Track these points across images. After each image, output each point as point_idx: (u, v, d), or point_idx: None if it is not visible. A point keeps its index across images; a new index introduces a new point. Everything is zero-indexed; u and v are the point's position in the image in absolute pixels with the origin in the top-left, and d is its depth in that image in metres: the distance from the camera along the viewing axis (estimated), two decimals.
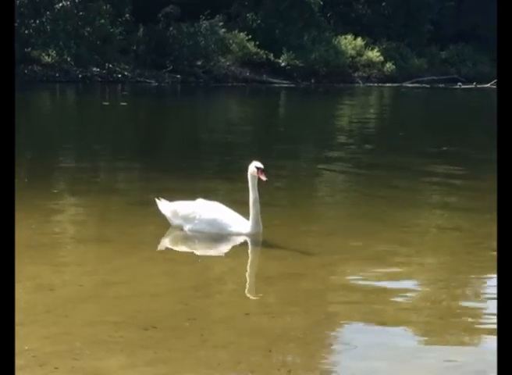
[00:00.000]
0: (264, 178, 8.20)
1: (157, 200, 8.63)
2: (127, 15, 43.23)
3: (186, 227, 8.46)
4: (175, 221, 8.55)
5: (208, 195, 8.91)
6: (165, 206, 8.60)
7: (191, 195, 8.98)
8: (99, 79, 40.49)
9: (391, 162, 15.33)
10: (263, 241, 8.18)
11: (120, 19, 42.75)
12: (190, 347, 5.29)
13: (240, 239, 8.25)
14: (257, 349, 5.31)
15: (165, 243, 8.20)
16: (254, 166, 8.19)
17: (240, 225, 8.32)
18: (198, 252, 8.05)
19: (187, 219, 8.44)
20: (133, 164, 14.30)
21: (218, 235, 8.34)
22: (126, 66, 42.27)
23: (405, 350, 5.39)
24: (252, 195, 8.17)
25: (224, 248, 8.16)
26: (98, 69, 41.12)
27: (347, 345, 5.47)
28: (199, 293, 6.52)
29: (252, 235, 8.24)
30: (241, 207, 8.50)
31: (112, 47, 41.23)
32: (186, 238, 8.36)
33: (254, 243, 8.17)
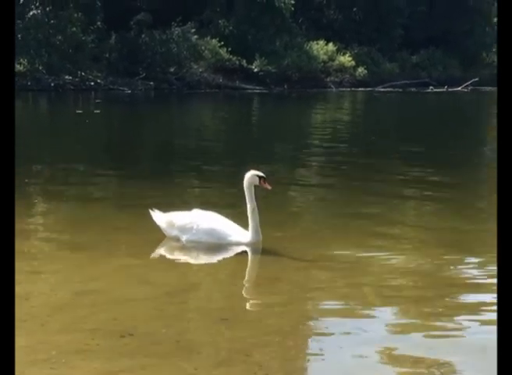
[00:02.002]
0: (269, 187, 8.17)
1: (150, 211, 8.45)
2: (99, 23, 43.14)
3: (184, 238, 8.29)
4: (171, 232, 8.38)
5: (187, 202, 8.90)
6: (159, 217, 8.41)
7: (168, 203, 8.97)
8: (71, 87, 40.33)
9: (365, 166, 15.42)
10: (254, 250, 8.12)
11: (92, 27, 42.64)
12: (167, 353, 5.30)
13: (233, 248, 8.17)
14: (235, 354, 5.33)
15: (141, 250, 8.15)
16: (254, 176, 8.10)
17: (239, 234, 8.20)
18: (176, 259, 8.03)
19: (184, 229, 8.28)
20: (109, 172, 14.25)
21: (217, 245, 8.22)
22: (99, 74, 42.15)
23: (383, 354, 5.42)
24: (250, 204, 8.07)
25: (203, 256, 8.14)
26: (71, 78, 40.96)
27: (325, 349, 5.50)
28: (175, 299, 6.52)
29: (252, 244, 8.14)
30: (224, 213, 8.50)
31: (84, 55, 41.10)
32: (163, 245, 8.34)
33: (248, 251, 8.09)
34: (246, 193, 8.13)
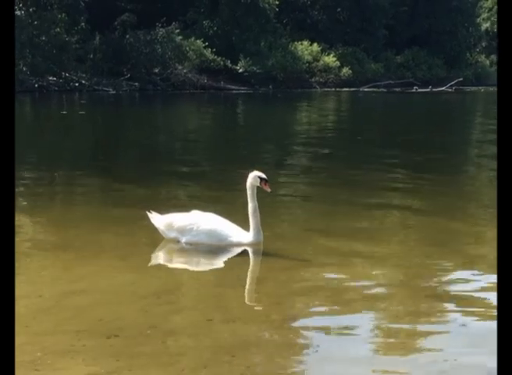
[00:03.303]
0: (268, 189, 8.15)
1: (148, 213, 8.36)
2: (83, 23, 43.05)
3: (183, 239, 8.21)
4: (169, 234, 8.29)
5: (174, 202, 8.85)
6: (157, 219, 8.32)
7: (155, 203, 8.89)
8: (56, 88, 40.22)
9: (351, 166, 15.45)
10: (254, 250, 8.10)
11: (76, 28, 42.56)
12: (153, 354, 5.29)
13: (232, 249, 8.12)
14: (221, 355, 5.32)
15: (127, 251, 8.12)
16: (256, 177, 8.07)
17: (240, 235, 8.16)
18: (163, 260, 7.99)
19: (184, 231, 8.20)
20: (96, 173, 14.20)
21: (217, 246, 8.15)
22: (83, 75, 42.06)
23: (367, 352, 5.44)
24: (252, 205, 8.04)
25: (192, 257, 8.09)
26: (55, 78, 40.84)
27: (310, 349, 5.51)
28: (161, 300, 6.50)
29: (254, 244, 8.11)
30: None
31: (68, 55, 40.98)
32: (148, 246, 8.31)
33: (249, 252, 8.07)
34: (248, 193, 8.10)
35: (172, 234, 8.29)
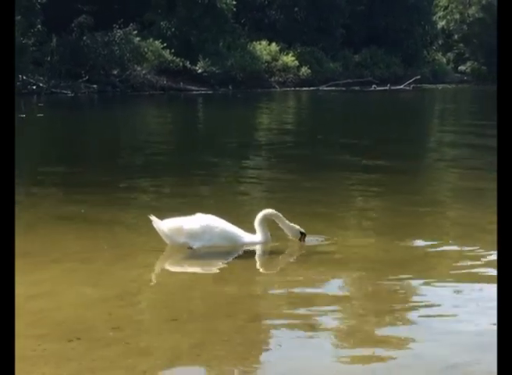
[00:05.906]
0: (304, 243, 8.23)
1: (151, 217, 7.98)
2: (39, 25, 42.67)
3: (196, 245, 7.96)
4: (178, 239, 7.98)
5: (137, 207, 8.77)
6: (162, 224, 7.95)
7: (115, 209, 8.80)
8: None
9: (313, 165, 15.53)
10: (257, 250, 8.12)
11: (32, 30, 42.17)
12: (116, 356, 5.25)
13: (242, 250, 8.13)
14: (184, 354, 5.30)
15: (88, 254, 8.04)
16: (299, 232, 8.16)
17: (249, 235, 8.13)
18: (124, 263, 7.91)
19: (195, 235, 7.92)
20: (56, 177, 14.09)
21: (231, 248, 8.05)
22: (41, 77, 41.68)
23: (331, 350, 5.45)
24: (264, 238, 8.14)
25: (152, 258, 8.02)
26: None
27: (273, 347, 5.51)
28: (123, 302, 6.46)
29: (264, 244, 8.14)
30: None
31: (25, 58, 40.58)
32: (111, 249, 8.23)
33: (262, 252, 8.10)
34: (258, 226, 8.13)
35: (181, 240, 8.00)
